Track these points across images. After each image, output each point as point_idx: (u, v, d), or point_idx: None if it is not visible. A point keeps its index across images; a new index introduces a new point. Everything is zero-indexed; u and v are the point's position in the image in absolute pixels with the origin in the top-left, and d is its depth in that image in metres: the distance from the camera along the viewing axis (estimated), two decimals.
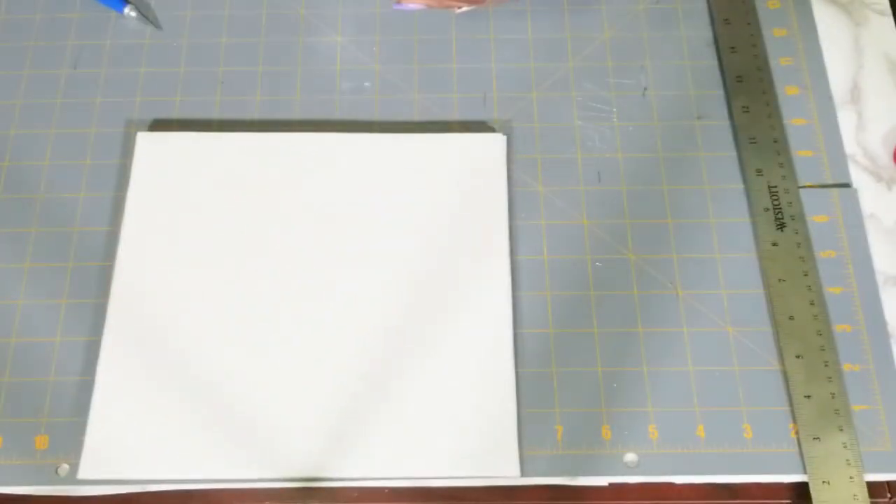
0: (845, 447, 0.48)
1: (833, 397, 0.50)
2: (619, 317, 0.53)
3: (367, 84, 0.60)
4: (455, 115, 0.59)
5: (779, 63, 0.61)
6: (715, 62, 0.61)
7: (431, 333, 0.52)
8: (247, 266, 0.53)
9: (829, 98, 0.60)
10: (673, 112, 0.59)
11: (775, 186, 0.56)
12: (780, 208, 0.55)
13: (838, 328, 0.52)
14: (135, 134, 0.58)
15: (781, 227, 0.55)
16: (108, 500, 0.49)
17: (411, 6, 0.49)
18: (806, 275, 0.53)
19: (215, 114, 0.59)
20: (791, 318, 0.52)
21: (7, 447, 0.49)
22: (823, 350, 0.51)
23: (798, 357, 0.51)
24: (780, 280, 0.53)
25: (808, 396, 0.50)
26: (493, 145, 0.57)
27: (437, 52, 0.61)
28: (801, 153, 0.58)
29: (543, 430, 0.49)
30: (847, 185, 0.57)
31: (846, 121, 0.59)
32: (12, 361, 0.51)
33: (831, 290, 0.53)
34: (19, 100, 0.60)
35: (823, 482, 0.48)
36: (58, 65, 0.61)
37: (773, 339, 0.52)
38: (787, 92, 0.60)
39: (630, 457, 0.49)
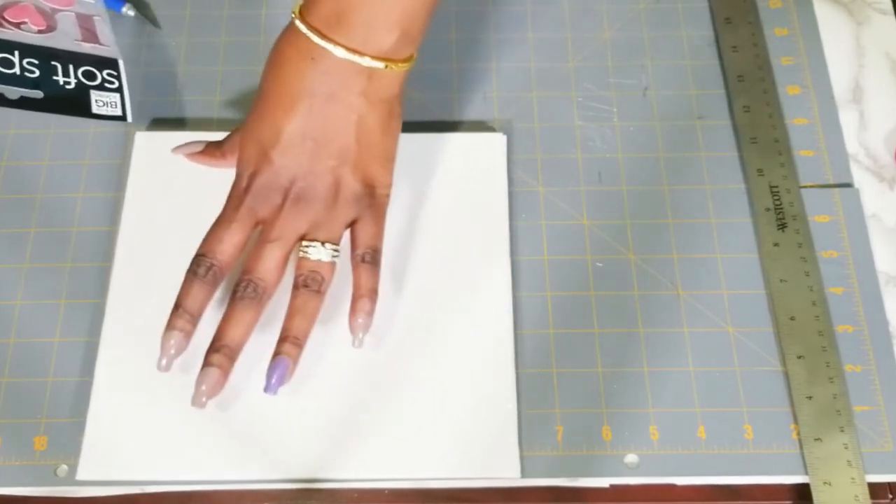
0: (847, 448, 0.48)
1: (834, 398, 0.49)
2: (619, 317, 0.52)
3: None
4: (455, 115, 0.59)
5: (780, 62, 0.61)
6: (716, 62, 0.61)
7: (431, 334, 0.51)
8: (244, 264, 0.53)
9: (831, 97, 0.60)
10: (674, 112, 0.59)
11: (776, 186, 0.56)
12: (782, 208, 0.55)
13: (840, 329, 0.52)
14: (133, 133, 0.58)
15: (783, 227, 0.54)
16: (107, 501, 0.48)
17: None
18: (807, 275, 0.53)
19: (214, 113, 0.59)
20: (792, 318, 0.52)
21: (6, 448, 0.49)
22: (825, 350, 0.51)
23: (799, 357, 0.51)
24: (781, 280, 0.53)
25: (810, 397, 0.50)
26: (493, 145, 0.57)
27: (437, 52, 0.61)
28: (802, 153, 0.57)
29: (544, 431, 0.49)
30: (849, 185, 0.56)
31: (848, 120, 0.59)
32: (11, 362, 0.51)
33: (833, 291, 0.53)
34: None
35: (825, 483, 0.47)
36: None
37: (775, 340, 0.52)
38: (789, 91, 0.60)
39: (631, 458, 0.49)
